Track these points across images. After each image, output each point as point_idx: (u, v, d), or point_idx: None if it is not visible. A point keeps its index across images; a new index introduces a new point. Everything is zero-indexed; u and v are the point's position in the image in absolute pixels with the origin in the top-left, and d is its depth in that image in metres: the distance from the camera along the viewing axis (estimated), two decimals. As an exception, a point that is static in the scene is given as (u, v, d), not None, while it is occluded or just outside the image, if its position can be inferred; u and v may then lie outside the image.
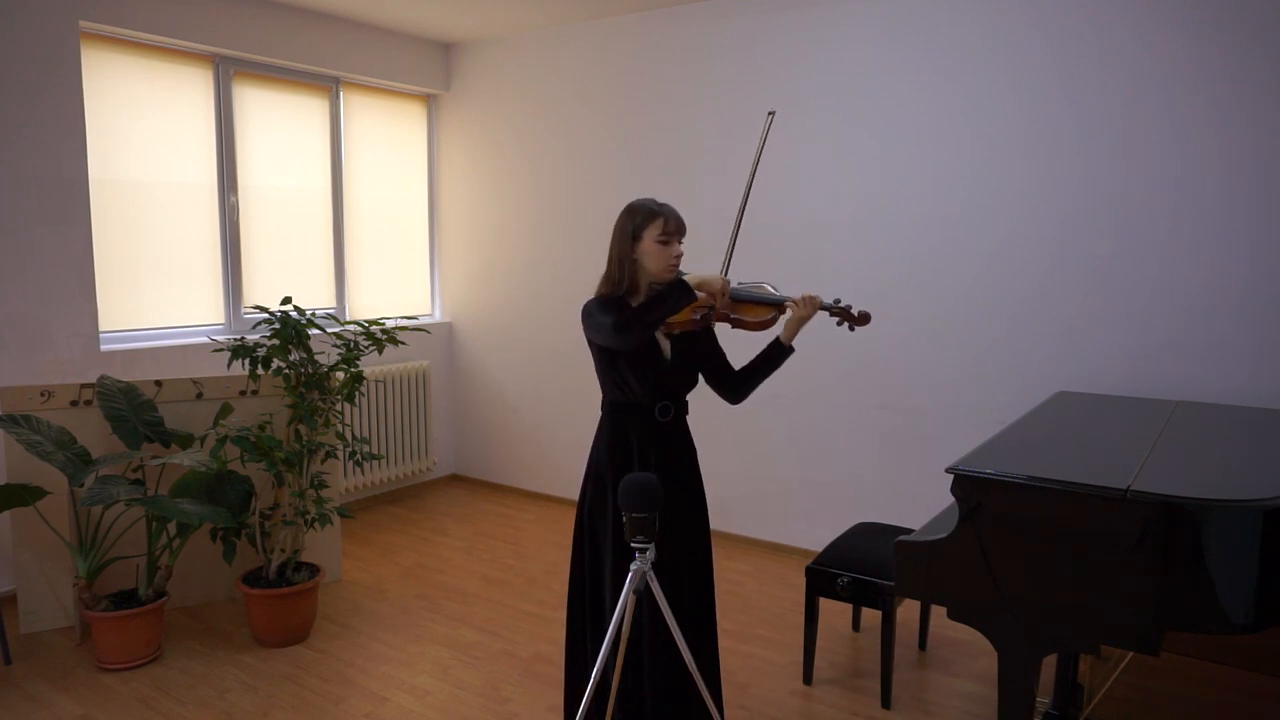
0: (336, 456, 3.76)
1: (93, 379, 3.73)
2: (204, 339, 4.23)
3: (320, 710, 2.90)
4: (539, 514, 5.06)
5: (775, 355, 2.35)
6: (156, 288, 4.22)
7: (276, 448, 3.33)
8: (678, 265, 2.28)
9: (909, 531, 2.87)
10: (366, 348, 3.55)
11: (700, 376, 2.40)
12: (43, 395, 3.36)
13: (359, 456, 3.49)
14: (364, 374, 3.59)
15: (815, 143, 4.13)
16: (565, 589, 3.87)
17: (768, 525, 4.46)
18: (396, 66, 5.18)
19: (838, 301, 2.32)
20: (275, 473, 3.34)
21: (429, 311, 5.74)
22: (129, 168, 4.07)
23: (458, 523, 4.90)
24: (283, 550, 3.44)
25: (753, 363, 2.38)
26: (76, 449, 3.17)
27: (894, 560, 2.32)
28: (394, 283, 5.47)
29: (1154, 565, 1.94)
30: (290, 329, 3.35)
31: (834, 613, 3.65)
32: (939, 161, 3.83)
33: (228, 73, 4.41)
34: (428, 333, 4.39)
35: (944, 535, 2.22)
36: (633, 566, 1.99)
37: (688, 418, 2.40)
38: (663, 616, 2.09)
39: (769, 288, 2.34)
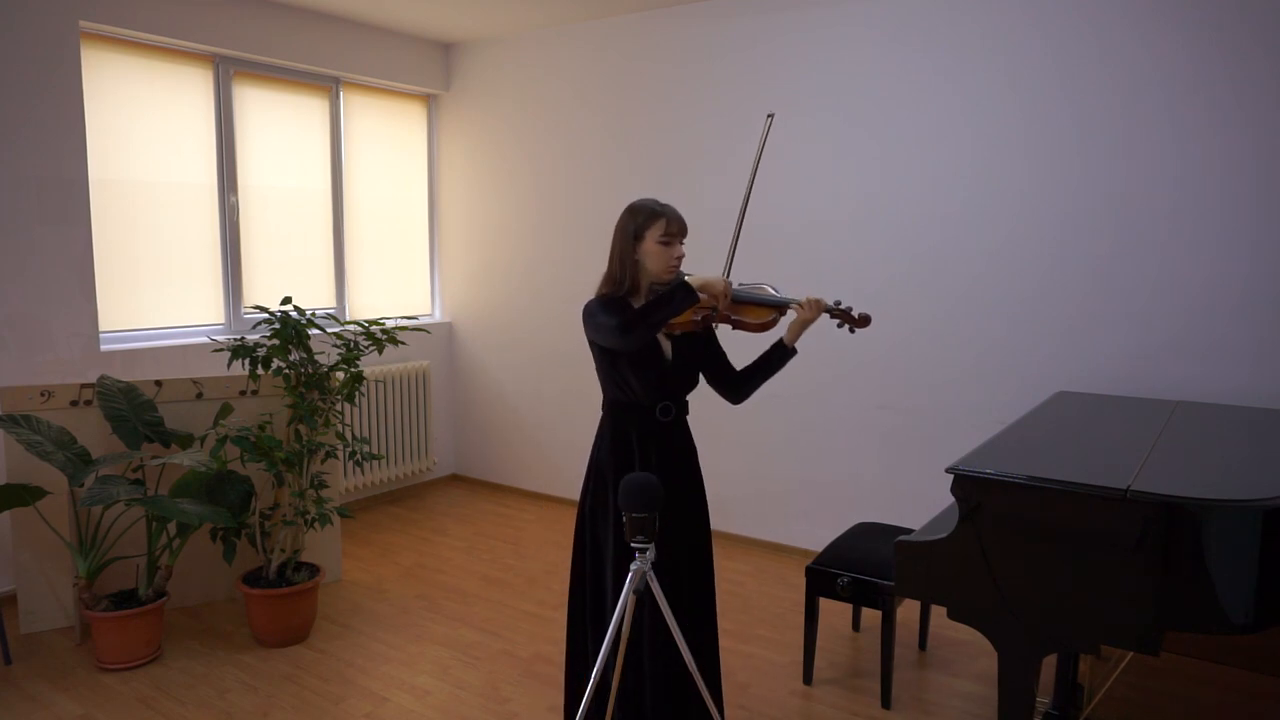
0: (336, 456, 3.76)
1: (93, 379, 3.73)
2: (204, 339, 4.23)
3: (320, 710, 2.90)
4: (539, 514, 5.06)
5: (778, 357, 2.36)
6: (156, 288, 4.22)
7: (276, 448, 3.33)
8: (679, 266, 2.28)
9: (909, 531, 2.87)
10: (366, 348, 3.55)
11: (701, 377, 2.41)
12: (43, 395, 3.36)
13: (359, 456, 3.49)
14: (364, 374, 3.59)
15: (815, 143, 4.13)
16: (565, 589, 3.87)
17: (768, 525, 4.46)
18: (396, 66, 5.18)
19: (838, 303, 2.33)
20: (275, 473, 3.34)
21: (429, 311, 5.74)
22: (129, 168, 4.07)
23: (458, 523, 4.90)
24: (283, 550, 3.44)
25: (755, 364, 2.38)
26: (76, 449, 3.17)
27: (894, 560, 2.32)
28: (394, 283, 5.47)
29: (1154, 565, 1.94)
30: (290, 329, 3.35)
31: (834, 613, 3.65)
32: (939, 161, 3.83)
33: (228, 73, 4.41)
34: (428, 333, 4.39)
35: (944, 535, 2.22)
36: (633, 566, 1.99)
37: (688, 418, 2.40)
38: (663, 616, 2.09)
39: (769, 289, 2.34)
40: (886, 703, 2.93)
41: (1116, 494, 1.97)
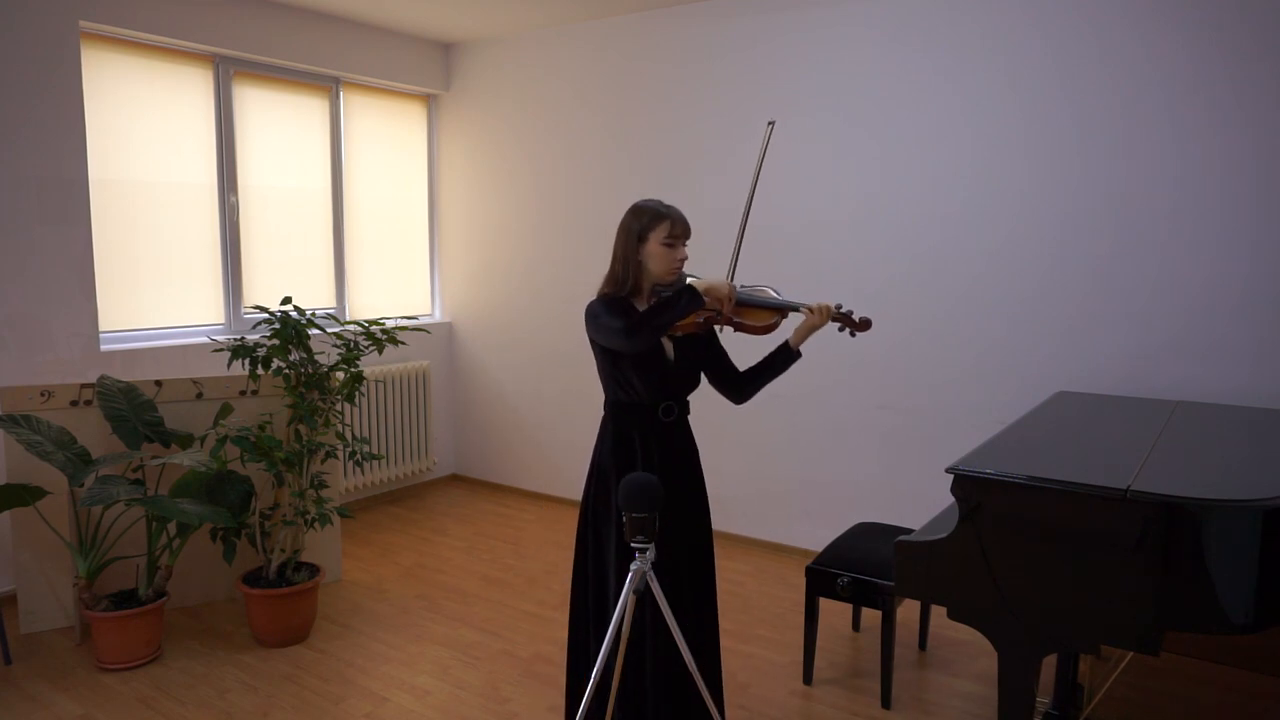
0: (336, 456, 3.76)
1: (93, 379, 3.73)
2: (204, 339, 4.23)
3: (320, 710, 2.90)
4: (539, 514, 5.06)
5: (782, 359, 2.37)
6: (156, 288, 4.22)
7: (276, 448, 3.33)
8: (681, 268, 2.28)
9: (909, 531, 2.87)
10: (366, 348, 3.55)
11: (703, 377, 2.41)
12: (43, 395, 3.36)
13: (359, 456, 3.49)
14: (364, 374, 3.59)
15: (815, 143, 4.13)
16: (565, 589, 3.87)
17: (768, 525, 4.46)
18: (396, 66, 5.18)
19: (839, 307, 2.33)
20: (275, 473, 3.34)
21: (429, 311, 5.74)
22: (129, 168, 4.07)
23: (458, 523, 4.90)
24: (283, 550, 3.44)
25: (759, 365, 2.39)
26: (76, 449, 3.17)
27: (894, 560, 2.32)
28: (394, 283, 5.47)
29: (1154, 565, 1.94)
30: (290, 329, 3.35)
31: (834, 613, 3.65)
32: (939, 161, 3.83)
33: (228, 73, 4.41)
34: (428, 333, 4.39)
35: (944, 535, 2.22)
36: (633, 566, 1.99)
37: (689, 418, 2.40)
38: (664, 616, 2.09)
39: (771, 291, 2.35)
40: (886, 703, 2.93)
41: (1116, 494, 1.97)
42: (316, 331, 3.61)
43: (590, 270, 4.73)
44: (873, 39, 3.95)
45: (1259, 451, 2.48)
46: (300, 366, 3.45)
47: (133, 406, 3.35)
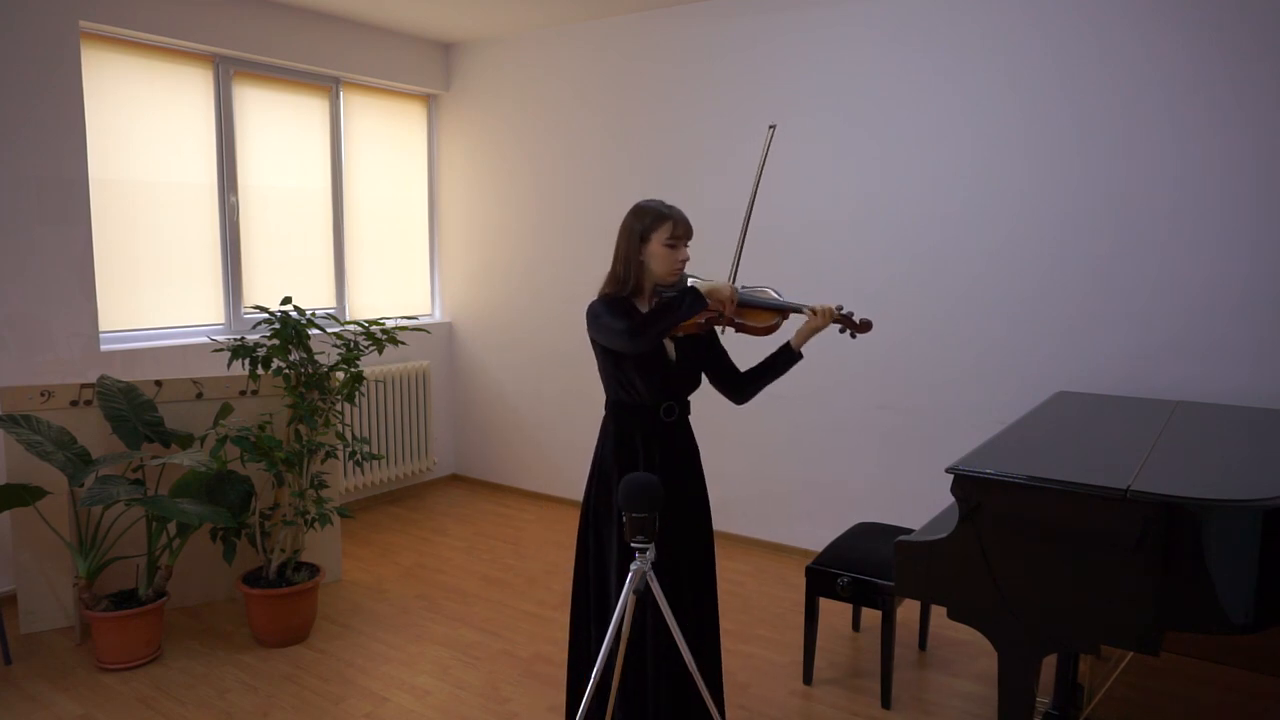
0: (336, 456, 3.76)
1: (93, 379, 3.73)
2: (204, 339, 4.23)
3: (320, 710, 2.90)
4: (539, 514, 5.06)
5: (784, 360, 2.37)
6: (156, 288, 4.22)
7: (276, 448, 3.33)
8: (683, 268, 2.29)
9: (909, 531, 2.87)
10: (366, 348, 3.55)
11: (704, 377, 2.41)
12: (43, 395, 3.36)
13: (359, 456, 3.49)
14: (364, 374, 3.59)
15: (815, 143, 4.13)
16: (565, 589, 3.87)
17: (767, 525, 4.46)
18: (396, 66, 5.18)
19: (840, 308, 2.33)
20: (275, 473, 3.34)
21: (429, 311, 5.74)
22: (129, 168, 4.08)
23: (458, 523, 4.90)
24: (283, 550, 3.44)
25: (761, 366, 2.39)
26: (76, 449, 3.17)
27: (894, 560, 2.32)
28: (394, 283, 5.47)
29: (1154, 565, 1.94)
30: (290, 329, 3.35)
31: (834, 613, 3.65)
32: (939, 161, 3.83)
33: (228, 73, 4.41)
34: (428, 333, 4.39)
35: (944, 535, 2.22)
36: (633, 566, 1.99)
37: (689, 418, 2.41)
38: (664, 616, 2.09)
39: (772, 292, 2.35)
40: (886, 703, 2.93)
41: (1116, 494, 1.97)
42: (316, 331, 3.61)
43: (590, 270, 4.74)
44: (873, 39, 3.95)
45: (1259, 451, 2.48)
46: (300, 366, 3.45)
47: (133, 406, 3.35)
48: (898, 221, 3.96)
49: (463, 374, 5.69)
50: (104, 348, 3.93)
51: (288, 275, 4.79)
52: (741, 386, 2.41)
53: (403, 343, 3.70)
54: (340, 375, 3.61)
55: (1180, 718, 2.90)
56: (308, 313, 3.46)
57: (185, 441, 3.41)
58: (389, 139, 5.36)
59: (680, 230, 2.25)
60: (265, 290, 4.63)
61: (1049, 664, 2.90)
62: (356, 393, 3.59)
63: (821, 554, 3.11)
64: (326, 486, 3.51)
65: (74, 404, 3.42)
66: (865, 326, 2.30)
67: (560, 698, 2.90)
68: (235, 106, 4.46)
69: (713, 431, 3.28)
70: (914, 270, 3.93)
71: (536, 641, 3.41)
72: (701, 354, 2.38)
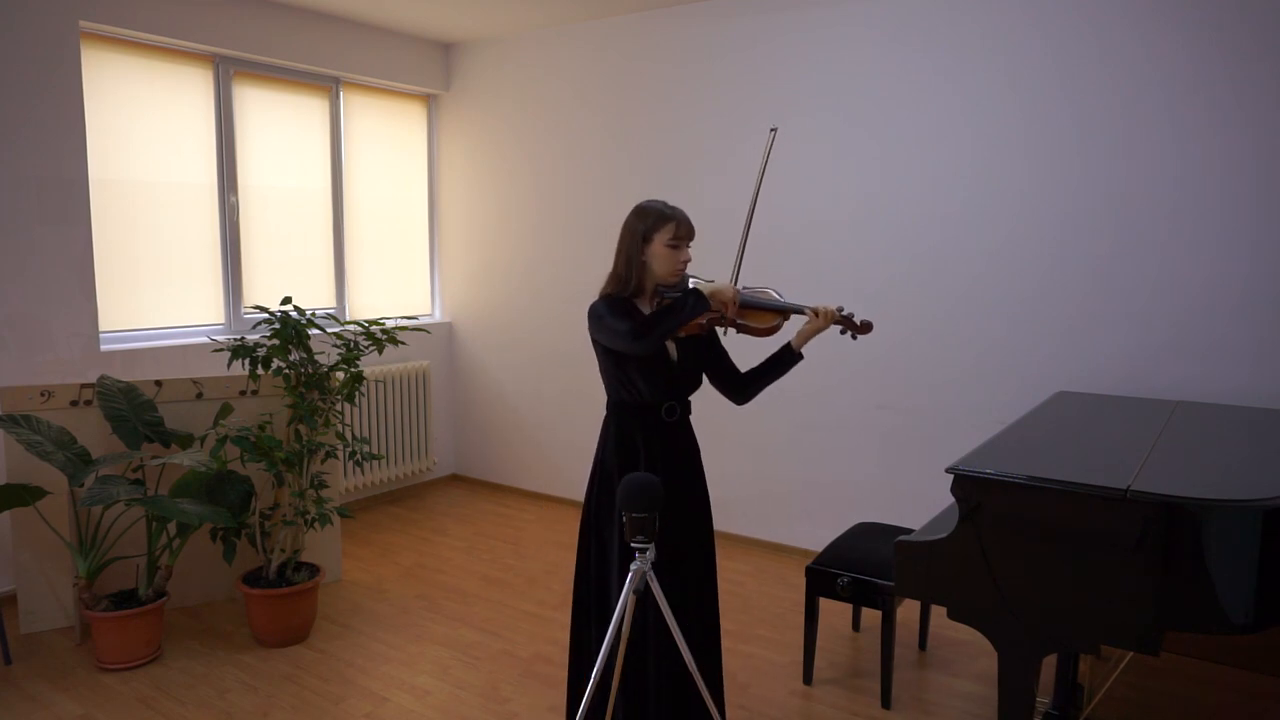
0: (336, 456, 3.76)
1: (93, 379, 3.73)
2: (204, 339, 4.23)
3: (320, 710, 2.90)
4: (539, 514, 5.06)
5: (785, 361, 2.37)
6: (156, 288, 4.22)
7: (276, 448, 3.33)
8: (685, 269, 2.29)
9: (909, 531, 2.87)
10: (366, 348, 3.55)
11: (705, 378, 2.42)
12: (43, 395, 3.36)
13: (359, 456, 3.49)
14: (364, 374, 3.59)
15: (815, 143, 4.13)
16: (565, 589, 3.87)
17: (767, 525, 4.46)
18: (396, 66, 5.18)
19: (841, 310, 2.34)
20: (275, 473, 3.34)
21: (429, 311, 5.74)
22: (129, 168, 4.08)
23: (458, 523, 4.90)
24: (283, 550, 3.44)
25: (762, 366, 2.39)
26: (76, 449, 3.17)
27: (894, 560, 2.32)
28: (394, 283, 5.47)
29: (1154, 565, 1.94)
30: (290, 329, 3.35)
31: (834, 613, 3.65)
32: (939, 161, 3.83)
33: (228, 73, 4.41)
34: (428, 333, 4.39)
35: (944, 535, 2.22)
36: (633, 567, 1.99)
37: (690, 418, 2.41)
38: (665, 616, 2.09)
39: (773, 293, 2.35)
40: (886, 703, 2.93)
41: (1116, 494, 1.97)
42: (316, 331, 3.61)
43: (590, 270, 4.74)
44: (873, 39, 3.95)
45: (1259, 451, 2.48)
46: (300, 366, 3.45)
47: (133, 406, 3.35)
48: (898, 221, 3.96)
49: (463, 374, 5.69)
50: (104, 348, 3.93)
51: (288, 275, 4.79)
52: (742, 387, 2.41)
53: (403, 343, 3.70)
54: (340, 375, 3.61)
55: (1180, 718, 2.90)
56: (308, 313, 3.46)
57: (185, 441, 3.41)
58: (389, 139, 5.36)
59: (683, 231, 2.25)
60: (265, 290, 4.63)
61: (1049, 664, 2.90)
62: (356, 393, 3.59)
63: (821, 554, 3.11)
64: (326, 486, 3.51)
65: (74, 404, 3.42)
66: (866, 328, 2.31)
67: (560, 698, 2.90)
68: (235, 106, 4.46)
69: (713, 431, 3.28)
70: (914, 270, 3.93)
71: (536, 641, 3.41)
72: (703, 354, 2.38)
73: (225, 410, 3.52)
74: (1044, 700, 2.84)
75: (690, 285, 2.30)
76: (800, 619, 3.55)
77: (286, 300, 3.46)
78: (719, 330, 2.42)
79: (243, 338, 3.41)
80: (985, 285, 3.77)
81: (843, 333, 2.34)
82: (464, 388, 5.69)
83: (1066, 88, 3.52)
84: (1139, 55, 3.37)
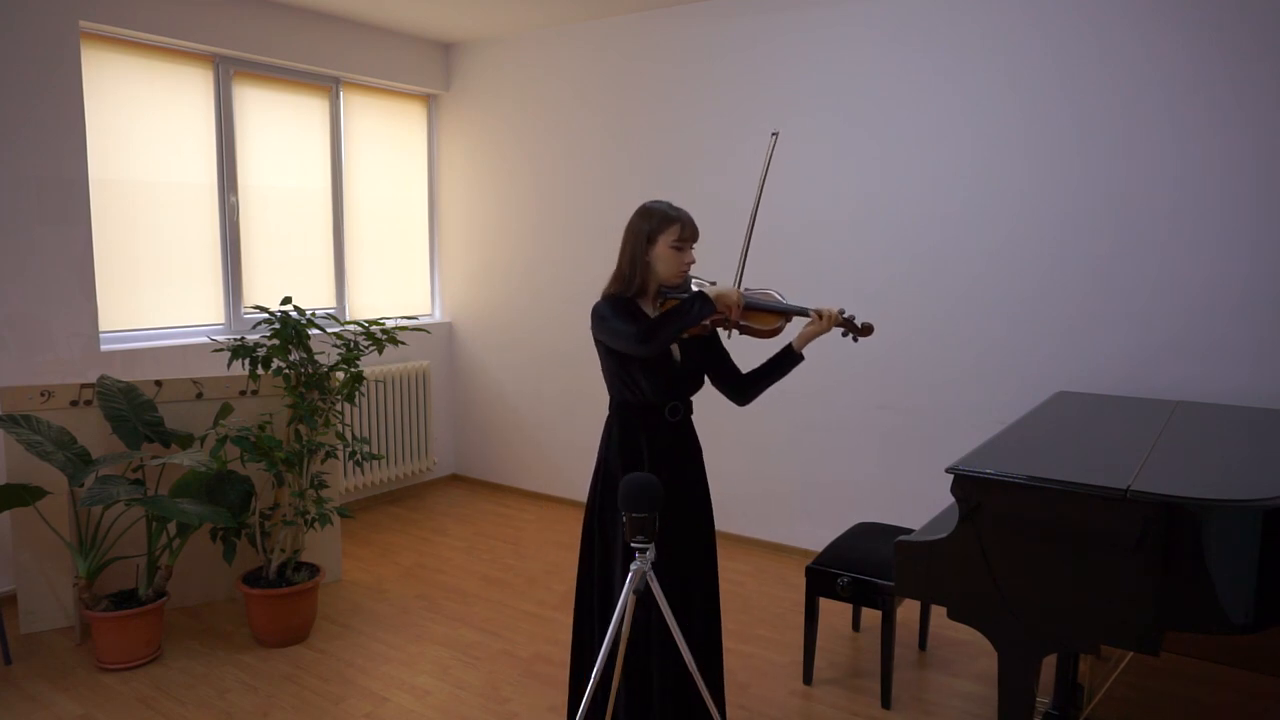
0: (336, 456, 3.76)
1: (93, 379, 3.73)
2: (204, 339, 4.23)
3: (320, 710, 2.90)
4: (539, 514, 5.06)
5: (786, 362, 2.38)
6: (156, 288, 4.22)
7: (276, 448, 3.33)
8: (688, 270, 2.30)
9: (909, 531, 2.87)
10: (366, 348, 3.55)
11: (707, 378, 2.42)
12: (43, 395, 3.36)
13: (359, 456, 3.49)
14: (364, 374, 3.59)
15: (815, 143, 4.13)
16: (565, 589, 3.87)
17: (768, 525, 4.46)
18: (396, 66, 5.18)
19: (842, 312, 2.34)
20: (275, 473, 3.34)
21: (429, 311, 5.74)
22: (129, 168, 4.07)
23: (458, 523, 4.90)
24: (283, 550, 3.44)
25: (763, 367, 2.40)
26: (76, 449, 3.17)
27: (894, 560, 2.32)
28: (394, 283, 5.47)
29: (1154, 565, 1.94)
30: (290, 329, 3.35)
31: (834, 613, 3.65)
32: (939, 161, 3.83)
33: (228, 73, 4.41)
34: (428, 333, 4.39)
35: (944, 535, 2.22)
36: (633, 567, 1.99)
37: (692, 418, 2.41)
38: (665, 616, 2.09)
39: (776, 295, 2.36)
40: (886, 703, 2.93)
41: (1116, 494, 1.97)
42: (316, 331, 3.61)
43: (590, 270, 4.75)
44: (873, 39, 3.95)
45: (1259, 451, 2.48)
46: (300, 366, 3.45)
47: (133, 406, 3.35)
48: (898, 221, 3.96)
49: (463, 374, 5.69)
50: (104, 348, 3.93)
51: (288, 275, 4.79)
52: (744, 388, 2.42)
53: (403, 343, 3.70)
54: (340, 375, 3.61)
55: (1180, 718, 2.90)
56: (308, 313, 3.46)
57: (185, 441, 3.41)
58: (389, 139, 5.36)
59: (687, 233, 2.26)
60: (265, 290, 4.63)
61: (1049, 664, 2.90)
62: (356, 393, 3.59)
63: (821, 554, 3.11)
64: (326, 486, 3.51)
65: (74, 404, 3.42)
66: (867, 330, 2.32)
67: (560, 698, 2.91)
68: (235, 106, 4.46)
69: (713, 431, 3.28)
70: (914, 270, 3.93)
71: (536, 641, 3.41)
72: (705, 355, 2.39)
73: (225, 410, 3.52)
74: (1044, 700, 2.84)
75: (693, 287, 2.30)
76: (800, 619, 3.55)
77: (286, 300, 3.46)
78: (722, 332, 2.42)
79: (243, 338, 3.41)
80: (985, 285, 3.77)
81: (844, 335, 2.34)
82: (464, 388, 5.69)
83: (1066, 88, 3.52)
84: (1139, 55, 3.37)
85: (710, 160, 4.45)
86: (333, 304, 5.07)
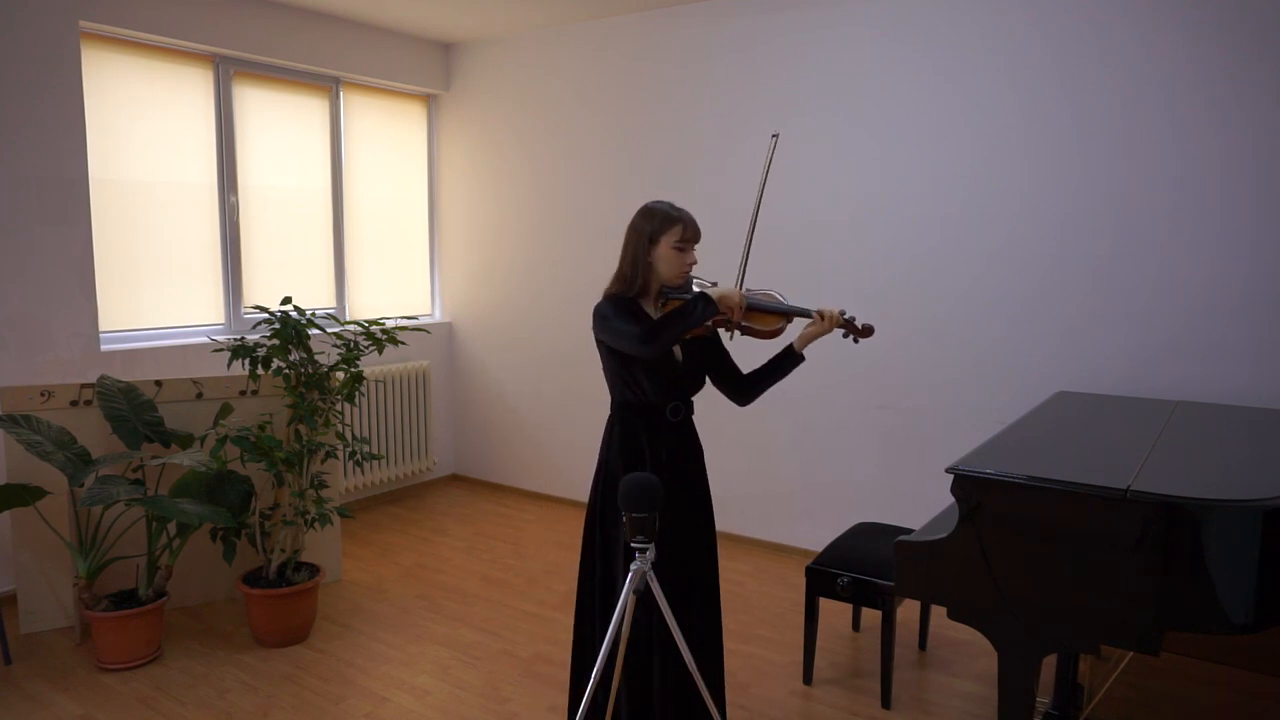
0: (336, 456, 3.76)
1: (93, 379, 3.73)
2: (204, 339, 4.23)
3: (320, 710, 2.90)
4: (539, 514, 5.06)
5: (787, 363, 2.38)
6: (156, 288, 4.22)
7: (276, 448, 3.33)
8: (690, 271, 2.30)
9: (909, 531, 2.87)
10: (366, 348, 3.55)
11: (708, 379, 2.42)
12: (43, 395, 3.36)
13: (359, 456, 3.49)
14: (364, 374, 3.59)
15: (815, 143, 4.13)
16: (565, 589, 3.88)
17: (768, 525, 4.46)
18: (396, 66, 5.18)
19: (842, 313, 2.34)
20: (275, 473, 3.34)
21: (429, 311, 5.74)
22: (129, 168, 4.08)
23: (458, 523, 4.90)
24: (283, 550, 3.44)
25: (764, 368, 2.40)
26: (76, 449, 3.17)
27: (894, 560, 2.32)
28: (394, 283, 5.47)
29: (1154, 565, 1.94)
30: (290, 329, 3.35)
31: (834, 613, 3.65)
32: (939, 161, 3.83)
33: (228, 73, 4.41)
34: (428, 333, 4.39)
35: (944, 535, 2.22)
36: (633, 567, 1.99)
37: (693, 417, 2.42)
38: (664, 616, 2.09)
39: (777, 295, 2.36)
40: (886, 703, 2.93)
41: (1116, 494, 1.97)
42: (316, 331, 3.61)
43: (590, 270, 4.76)
44: (873, 39, 3.95)
45: (1259, 451, 2.48)
46: (300, 366, 3.45)
47: (133, 406, 3.35)
48: (898, 221, 3.96)
49: (463, 374, 5.69)
50: (104, 348, 3.93)
51: (288, 275, 4.79)
52: (745, 388, 2.42)
53: (403, 343, 3.70)
54: (340, 375, 3.61)
55: (1180, 718, 2.90)
56: (308, 313, 3.46)
57: (185, 441, 3.41)
58: (389, 139, 5.36)
59: (689, 234, 2.26)
60: (265, 290, 4.63)
61: (1049, 664, 2.90)
62: (356, 393, 3.59)
63: (821, 554, 3.11)
64: (326, 486, 3.51)
65: (74, 404, 3.42)
66: (868, 332, 2.32)
67: (560, 698, 2.91)
68: (235, 106, 4.46)
69: (713, 431, 3.28)
70: (914, 270, 3.93)
71: (536, 641, 3.41)
72: (706, 355, 2.39)
73: (225, 410, 3.52)
74: (1044, 700, 2.84)
75: (694, 287, 2.30)
76: (800, 619, 3.55)
77: (286, 300, 3.46)
78: (723, 332, 2.42)
79: (243, 338, 3.41)
80: (985, 285, 3.77)
81: (845, 336, 2.35)
82: (464, 388, 5.69)
83: (1066, 88, 3.52)
84: (1139, 55, 3.37)
85: (710, 160, 4.45)
86: (333, 304, 5.07)
